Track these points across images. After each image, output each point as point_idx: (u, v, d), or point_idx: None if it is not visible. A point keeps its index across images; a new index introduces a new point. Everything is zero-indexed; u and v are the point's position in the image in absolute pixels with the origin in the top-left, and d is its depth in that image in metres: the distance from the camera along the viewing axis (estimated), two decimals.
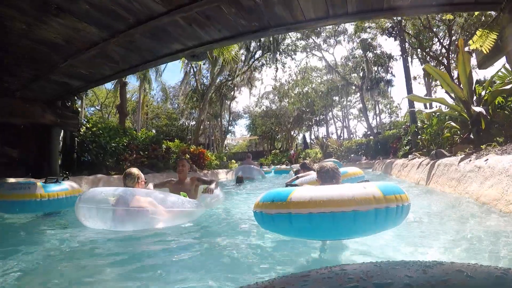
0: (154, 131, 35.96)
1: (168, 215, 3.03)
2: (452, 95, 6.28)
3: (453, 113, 6.07)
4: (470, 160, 4.19)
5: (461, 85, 5.93)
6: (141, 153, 9.27)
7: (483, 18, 11.70)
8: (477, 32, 3.89)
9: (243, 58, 21.09)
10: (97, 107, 37.26)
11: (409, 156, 7.41)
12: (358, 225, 1.88)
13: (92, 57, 4.59)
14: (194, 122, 41.64)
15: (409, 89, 11.15)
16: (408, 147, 10.04)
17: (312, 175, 4.83)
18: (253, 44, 19.75)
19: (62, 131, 7.08)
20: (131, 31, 3.90)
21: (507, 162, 3.11)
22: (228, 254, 2.23)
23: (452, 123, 5.95)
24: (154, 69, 29.48)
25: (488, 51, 3.71)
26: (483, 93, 6.16)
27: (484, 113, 4.67)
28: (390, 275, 0.48)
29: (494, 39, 3.64)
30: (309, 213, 1.86)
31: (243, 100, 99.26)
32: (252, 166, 11.57)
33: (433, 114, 6.77)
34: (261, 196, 2.22)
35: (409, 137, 10.61)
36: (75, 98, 7.92)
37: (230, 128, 48.26)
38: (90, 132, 7.91)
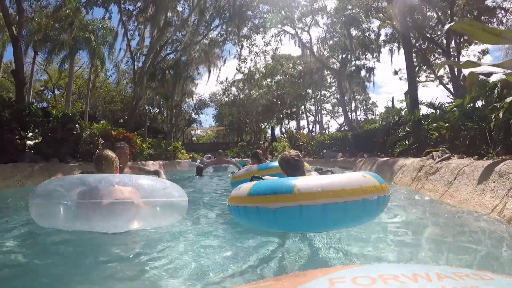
0: (110, 116, 32.42)
1: (155, 209, 2.32)
2: None
3: None
4: None
5: None
6: (24, 133, 6.78)
7: None
8: None
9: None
10: (50, 91, 32.92)
11: (434, 154, 4.34)
12: (366, 213, 1.94)
13: None
14: (156, 108, 37.82)
15: (411, 70, 8.22)
16: (407, 142, 7.08)
17: (248, 167, 4.80)
18: (208, 4, 16.02)
19: None
20: None
21: None
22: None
23: None
24: (107, 46, 25.78)
25: None
26: None
27: None
28: None
29: None
30: (323, 204, 1.77)
31: (209, 87, 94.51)
32: (227, 165, 10.11)
33: (483, 77, 3.72)
34: (248, 188, 2.00)
35: (407, 129, 7.69)
36: None
37: (195, 116, 44.93)
38: None
